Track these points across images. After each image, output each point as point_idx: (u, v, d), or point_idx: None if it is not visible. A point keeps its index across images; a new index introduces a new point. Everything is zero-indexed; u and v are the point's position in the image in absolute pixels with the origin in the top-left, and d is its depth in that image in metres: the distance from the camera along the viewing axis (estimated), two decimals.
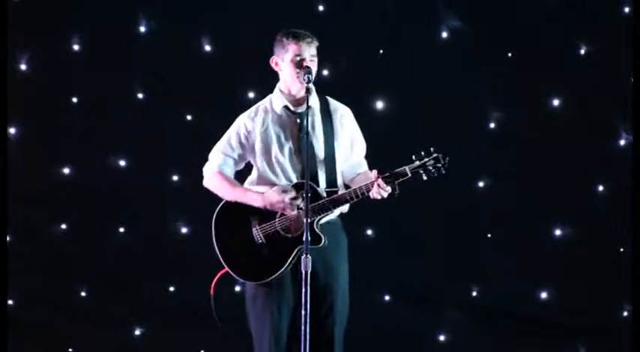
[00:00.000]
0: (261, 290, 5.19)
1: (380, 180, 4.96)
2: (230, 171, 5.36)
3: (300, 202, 5.08)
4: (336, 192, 5.13)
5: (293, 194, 5.10)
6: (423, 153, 4.99)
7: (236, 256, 5.21)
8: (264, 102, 5.34)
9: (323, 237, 5.07)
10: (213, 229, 5.26)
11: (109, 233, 7.57)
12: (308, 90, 5.02)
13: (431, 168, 4.97)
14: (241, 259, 5.20)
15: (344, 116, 5.31)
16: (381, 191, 4.99)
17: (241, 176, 5.45)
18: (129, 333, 7.59)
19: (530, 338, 7.38)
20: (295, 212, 5.09)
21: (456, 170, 7.30)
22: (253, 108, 5.35)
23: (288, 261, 5.09)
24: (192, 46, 7.50)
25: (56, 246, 7.57)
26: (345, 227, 5.37)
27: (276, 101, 5.27)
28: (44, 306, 7.58)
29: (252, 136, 5.27)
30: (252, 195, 5.21)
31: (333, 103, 5.33)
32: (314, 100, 5.25)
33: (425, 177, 4.99)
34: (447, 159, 4.99)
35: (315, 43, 5.20)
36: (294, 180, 5.17)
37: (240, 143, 5.31)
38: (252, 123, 5.28)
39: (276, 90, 5.31)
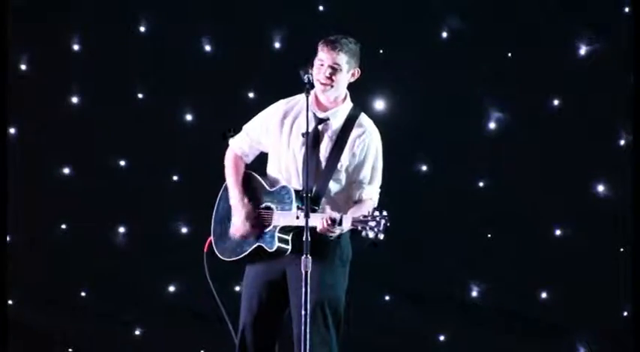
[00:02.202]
0: (249, 271, 5.23)
1: (327, 218, 4.86)
2: (248, 152, 5.31)
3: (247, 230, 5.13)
4: (313, 209, 4.97)
5: (247, 227, 5.12)
6: (376, 211, 4.80)
7: (220, 230, 5.25)
8: (303, 97, 5.17)
9: (276, 245, 5.02)
10: (217, 199, 5.32)
11: (109, 233, 7.57)
12: (307, 91, 4.99)
13: (368, 228, 4.78)
14: (222, 234, 5.23)
15: (361, 136, 5.15)
16: (325, 226, 4.86)
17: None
18: (129, 333, 7.59)
19: (530, 338, 7.38)
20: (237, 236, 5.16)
21: (456, 170, 7.39)
22: (292, 97, 5.27)
23: (245, 252, 5.11)
24: (192, 46, 7.50)
25: (56, 246, 7.57)
26: (345, 239, 5.16)
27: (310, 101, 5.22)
28: (44, 306, 7.58)
29: (274, 126, 5.23)
30: (233, 189, 5.22)
31: (363, 121, 5.20)
32: (344, 111, 5.18)
33: (363, 234, 4.79)
34: (383, 226, 4.75)
35: (344, 52, 5.07)
36: (293, 181, 5.15)
37: (264, 127, 5.25)
38: (277, 115, 5.23)
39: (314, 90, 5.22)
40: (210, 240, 5.29)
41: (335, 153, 5.12)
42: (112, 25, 7.47)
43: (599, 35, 7.22)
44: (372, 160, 5.18)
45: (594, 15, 7.22)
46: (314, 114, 5.14)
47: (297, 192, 5.04)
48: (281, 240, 5.03)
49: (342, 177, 5.14)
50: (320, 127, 5.14)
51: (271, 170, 5.25)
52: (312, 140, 5.11)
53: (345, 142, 5.13)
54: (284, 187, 5.11)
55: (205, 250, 5.30)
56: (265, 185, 5.20)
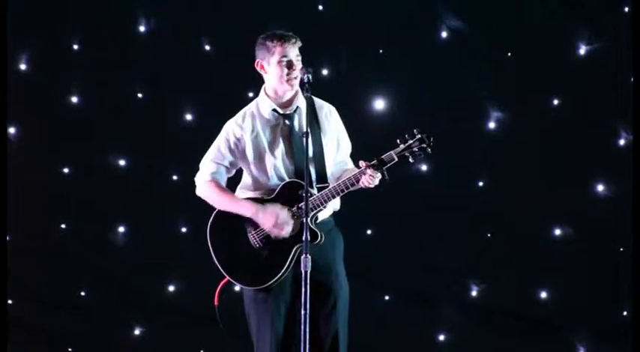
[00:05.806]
0: (260, 292, 5.17)
1: (368, 168, 4.97)
2: (222, 179, 5.32)
3: (289, 229, 5.09)
4: (327, 187, 5.11)
5: (283, 222, 5.10)
6: (407, 136, 5.01)
7: (236, 264, 5.19)
8: (251, 107, 5.30)
9: (319, 233, 5.06)
10: (209, 240, 5.24)
11: (109, 232, 7.57)
12: (307, 90, 5.00)
13: (416, 149, 5.00)
14: (241, 266, 5.18)
15: (329, 114, 5.30)
16: (370, 178, 5.00)
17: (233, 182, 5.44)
18: (129, 333, 7.59)
19: (530, 338, 7.38)
20: (276, 233, 5.11)
21: (456, 170, 7.39)
22: (240, 113, 5.31)
23: (288, 262, 5.08)
24: (192, 46, 7.50)
25: (56, 246, 7.57)
26: (339, 227, 5.34)
27: (263, 105, 5.25)
28: (44, 306, 7.58)
29: (242, 143, 5.24)
30: (242, 204, 5.19)
31: (318, 102, 5.30)
32: (302, 97, 5.22)
33: (411, 160, 5.01)
34: (432, 139, 5.00)
35: (299, 43, 5.17)
36: (287, 180, 5.17)
37: (231, 150, 5.27)
38: (240, 130, 5.25)
39: (261, 93, 5.27)
40: (224, 284, 5.23)
41: (317, 135, 5.20)
42: (112, 25, 7.47)
43: (599, 35, 7.23)
44: (344, 133, 5.34)
45: (594, 15, 7.22)
46: (281, 114, 5.19)
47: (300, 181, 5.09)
48: (317, 228, 5.11)
49: (331, 153, 5.25)
50: (295, 121, 5.20)
51: (256, 181, 5.24)
52: (291, 135, 5.16)
53: (319, 123, 5.23)
54: (286, 183, 5.12)
55: (217, 303, 5.26)
56: (262, 196, 5.21)
